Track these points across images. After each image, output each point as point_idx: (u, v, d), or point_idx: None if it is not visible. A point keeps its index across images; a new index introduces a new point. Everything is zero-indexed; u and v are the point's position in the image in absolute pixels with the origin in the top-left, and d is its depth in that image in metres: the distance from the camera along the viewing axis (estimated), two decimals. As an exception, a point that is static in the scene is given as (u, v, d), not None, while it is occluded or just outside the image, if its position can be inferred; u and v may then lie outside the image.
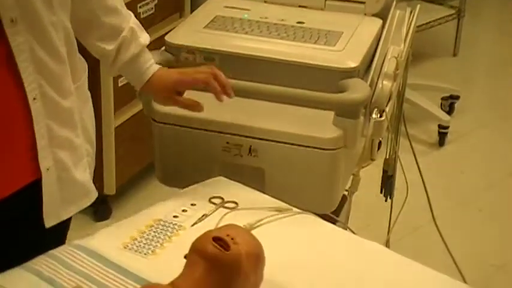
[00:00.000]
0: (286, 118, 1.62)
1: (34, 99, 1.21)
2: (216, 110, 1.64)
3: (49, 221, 1.31)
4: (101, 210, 2.61)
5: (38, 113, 1.23)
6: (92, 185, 1.41)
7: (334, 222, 1.65)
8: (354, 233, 1.64)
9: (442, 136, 3.23)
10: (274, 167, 1.64)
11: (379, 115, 1.66)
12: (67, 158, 1.32)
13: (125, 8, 1.44)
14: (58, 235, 1.38)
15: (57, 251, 1.31)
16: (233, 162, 1.64)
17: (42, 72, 1.22)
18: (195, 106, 1.49)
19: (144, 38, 1.45)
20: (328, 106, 1.59)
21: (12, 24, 1.17)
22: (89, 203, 1.42)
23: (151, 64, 1.47)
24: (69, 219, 1.41)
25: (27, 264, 1.27)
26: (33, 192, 1.29)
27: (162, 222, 1.41)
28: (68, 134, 1.32)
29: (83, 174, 1.38)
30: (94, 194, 1.43)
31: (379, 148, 1.83)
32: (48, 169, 1.27)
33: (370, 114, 1.66)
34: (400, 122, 2.06)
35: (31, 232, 1.31)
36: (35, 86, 1.21)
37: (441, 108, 3.38)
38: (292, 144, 1.60)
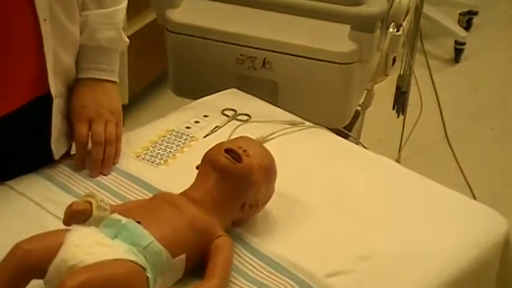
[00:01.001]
0: (302, 31, 1.60)
1: (44, 20, 1.19)
2: (231, 21, 1.62)
3: (58, 152, 1.30)
4: (113, 119, 2.61)
5: (47, 35, 1.21)
6: None
7: (346, 137, 1.66)
8: (365, 148, 1.65)
9: (458, 52, 3.19)
10: (288, 81, 1.63)
11: (395, 29, 1.64)
12: (66, 87, 1.30)
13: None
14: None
15: (70, 158, 1.32)
16: (247, 74, 1.63)
17: None
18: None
19: (104, 36, 1.31)
20: (345, 19, 1.57)
21: None
22: None
23: (90, 68, 1.32)
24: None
25: (41, 170, 1.28)
26: (33, 119, 1.28)
27: (174, 133, 1.41)
28: (71, 62, 1.30)
29: None
30: None
31: (393, 63, 1.81)
32: (56, 96, 1.26)
33: (387, 29, 1.64)
34: (417, 37, 2.03)
35: (38, 159, 1.31)
36: (46, 8, 1.19)
37: (459, 24, 3.33)
38: (307, 57, 1.59)
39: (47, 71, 1.23)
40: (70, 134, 1.32)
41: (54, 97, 1.26)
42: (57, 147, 1.30)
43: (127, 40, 1.36)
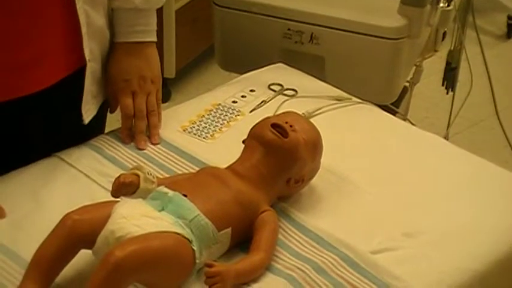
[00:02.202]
0: (350, 6, 1.58)
1: None
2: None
3: (87, 115, 1.30)
4: (160, 93, 2.64)
5: None
6: None
7: (393, 113, 1.64)
8: (413, 124, 1.63)
9: (511, 28, 3.12)
10: (335, 56, 1.62)
11: (446, 4, 1.61)
12: (100, 50, 1.29)
13: None
14: (98, 127, 1.39)
15: (118, 131, 1.33)
16: (294, 49, 1.63)
17: None
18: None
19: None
20: (394, -7, 1.55)
21: None
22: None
23: (131, 32, 1.30)
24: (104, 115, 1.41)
25: (89, 142, 1.30)
26: (70, 87, 1.28)
27: (221, 107, 1.42)
28: (103, 23, 1.28)
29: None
30: None
31: (443, 39, 1.78)
32: (89, 60, 1.26)
33: (438, 3, 1.61)
34: (468, 11, 1.99)
35: (72, 128, 1.32)
36: None
37: (512, -1, 3.26)
38: (355, 32, 1.57)
39: (81, 34, 1.22)
40: (98, 97, 1.33)
41: (87, 61, 1.25)
42: (87, 111, 1.30)
43: None
